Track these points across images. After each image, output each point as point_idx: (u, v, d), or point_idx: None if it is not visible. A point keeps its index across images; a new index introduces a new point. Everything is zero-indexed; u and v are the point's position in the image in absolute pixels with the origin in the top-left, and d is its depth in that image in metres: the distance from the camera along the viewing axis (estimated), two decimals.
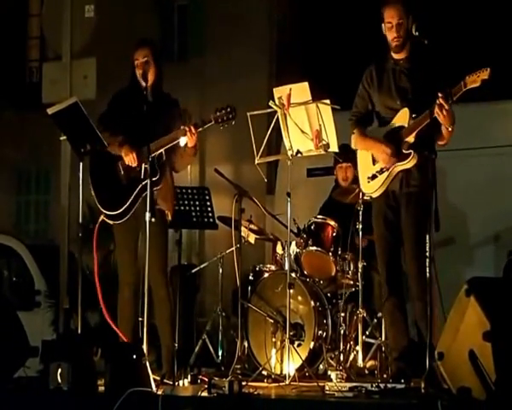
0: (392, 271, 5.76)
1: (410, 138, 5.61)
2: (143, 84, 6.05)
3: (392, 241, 5.76)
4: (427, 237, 5.21)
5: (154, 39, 7.63)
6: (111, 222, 6.19)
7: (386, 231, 5.77)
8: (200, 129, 6.08)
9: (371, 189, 5.81)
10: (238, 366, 6.59)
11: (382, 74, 5.81)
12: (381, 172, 5.72)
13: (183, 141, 6.09)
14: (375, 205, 5.85)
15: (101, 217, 6.19)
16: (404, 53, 5.75)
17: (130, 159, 6.06)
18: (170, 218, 6.24)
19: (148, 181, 5.80)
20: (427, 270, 5.17)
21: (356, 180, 7.37)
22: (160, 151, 6.05)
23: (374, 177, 5.78)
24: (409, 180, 5.68)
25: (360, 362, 6.77)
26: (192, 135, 6.03)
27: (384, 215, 5.77)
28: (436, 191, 5.45)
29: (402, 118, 5.66)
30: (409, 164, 5.62)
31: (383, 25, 5.73)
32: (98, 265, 6.30)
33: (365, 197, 5.94)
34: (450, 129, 5.53)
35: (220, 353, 7.71)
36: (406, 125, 5.63)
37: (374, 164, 5.79)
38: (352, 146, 5.97)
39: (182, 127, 6.05)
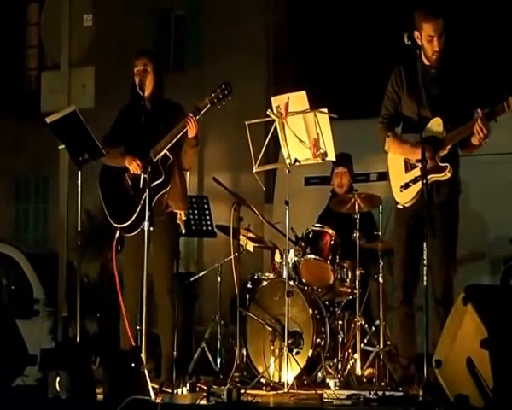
0: (410, 278, 5.65)
1: (445, 150, 5.50)
2: (141, 93, 6.02)
3: (413, 247, 5.58)
4: (424, 244, 5.19)
5: (151, 49, 7.63)
6: (127, 235, 6.13)
7: (408, 237, 5.65)
8: (198, 116, 6.00)
9: (404, 199, 5.65)
10: (237, 374, 6.58)
11: (411, 77, 5.63)
12: (415, 181, 5.57)
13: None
14: (399, 211, 5.72)
15: (118, 231, 6.15)
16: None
17: (134, 166, 6.03)
18: (183, 217, 6.17)
19: (147, 190, 5.76)
20: (425, 278, 5.17)
21: (351, 189, 7.39)
22: (163, 152, 6.01)
23: (407, 186, 5.63)
24: (440, 190, 5.57)
25: (358, 370, 6.78)
26: (192, 125, 5.97)
27: (408, 221, 5.65)
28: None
29: (435, 128, 5.50)
30: (445, 177, 5.51)
31: (418, 32, 5.51)
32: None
33: (398, 206, 5.69)
34: (484, 144, 5.45)
35: (219, 361, 7.69)
36: (441, 136, 5.48)
37: (406, 172, 5.64)
38: (386, 149, 5.78)
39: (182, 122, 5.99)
